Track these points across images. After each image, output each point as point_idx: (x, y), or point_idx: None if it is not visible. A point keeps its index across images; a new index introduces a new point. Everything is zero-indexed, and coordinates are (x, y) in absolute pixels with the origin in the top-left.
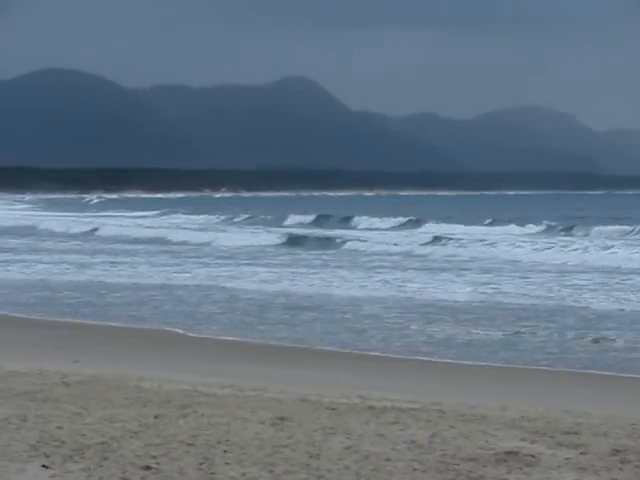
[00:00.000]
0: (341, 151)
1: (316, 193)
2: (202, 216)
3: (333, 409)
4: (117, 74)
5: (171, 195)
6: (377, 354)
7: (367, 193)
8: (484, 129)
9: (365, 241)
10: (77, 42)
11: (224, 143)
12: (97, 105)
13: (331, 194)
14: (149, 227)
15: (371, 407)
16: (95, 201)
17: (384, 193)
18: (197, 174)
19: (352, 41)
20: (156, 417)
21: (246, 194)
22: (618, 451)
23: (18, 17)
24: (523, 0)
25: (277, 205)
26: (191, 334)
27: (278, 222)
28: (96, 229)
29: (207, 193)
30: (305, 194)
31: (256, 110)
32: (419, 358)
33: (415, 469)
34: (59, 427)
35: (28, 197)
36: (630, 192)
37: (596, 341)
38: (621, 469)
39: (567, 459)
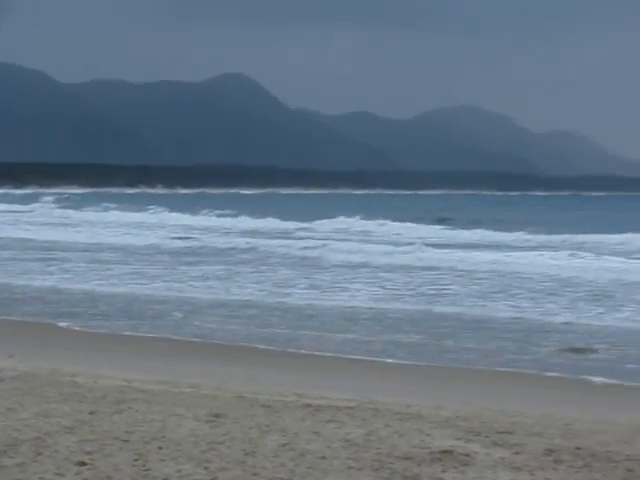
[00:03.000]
0: (278, 149)
1: (248, 192)
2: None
3: (269, 407)
4: (55, 69)
5: (104, 190)
6: (313, 352)
7: (304, 191)
8: (421, 128)
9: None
10: (15, 37)
11: (162, 139)
12: (34, 100)
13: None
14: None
15: (307, 405)
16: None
17: (325, 192)
18: (134, 170)
19: (292, 39)
20: (91, 413)
21: (182, 191)
22: (552, 451)
23: None
24: (464, 1)
25: (200, 202)
26: (128, 332)
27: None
28: None
29: (143, 189)
30: (245, 192)
31: (194, 107)
32: (355, 357)
33: (350, 467)
34: None
35: None
36: (566, 193)
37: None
38: (555, 469)
39: (501, 458)
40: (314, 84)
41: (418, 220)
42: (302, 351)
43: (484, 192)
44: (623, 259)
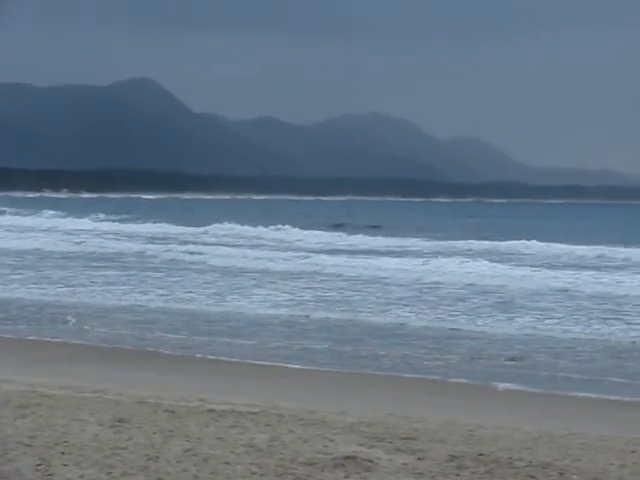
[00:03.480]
0: (182, 153)
1: (150, 196)
2: None
3: (172, 412)
4: None
5: (3, 194)
6: (218, 358)
7: (207, 197)
8: (326, 134)
9: None
10: None
11: (66, 143)
12: None
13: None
14: None
15: (210, 410)
16: None
17: (227, 197)
18: (38, 174)
19: (197, 43)
20: None
21: (85, 195)
22: (455, 457)
23: None
24: (367, 7)
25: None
26: (33, 337)
27: None
28: None
29: (48, 193)
30: (147, 197)
31: (100, 111)
32: (259, 362)
33: (254, 473)
34: None
35: None
36: (470, 200)
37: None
38: (458, 475)
39: (404, 464)
40: (220, 89)
41: (316, 226)
42: (208, 356)
43: (388, 198)
44: (511, 265)
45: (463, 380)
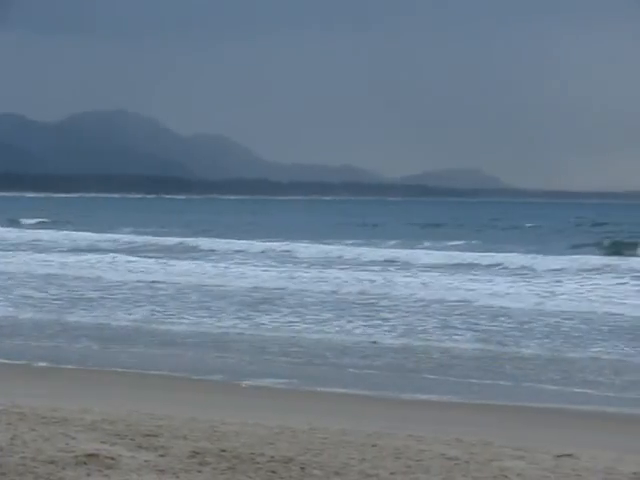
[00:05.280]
0: None
1: None
2: None
3: None
4: None
5: None
6: None
7: None
8: (71, 131)
9: None
10: None
11: None
12: None
13: None
14: None
15: None
16: None
17: None
18: None
19: None
20: None
21: None
22: (197, 453)
23: None
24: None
25: None
26: None
27: None
28: None
29: None
30: None
31: None
32: (3, 361)
33: None
34: None
35: None
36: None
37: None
38: (200, 471)
39: (146, 461)
40: None
41: None
42: None
43: (132, 195)
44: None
45: (206, 377)
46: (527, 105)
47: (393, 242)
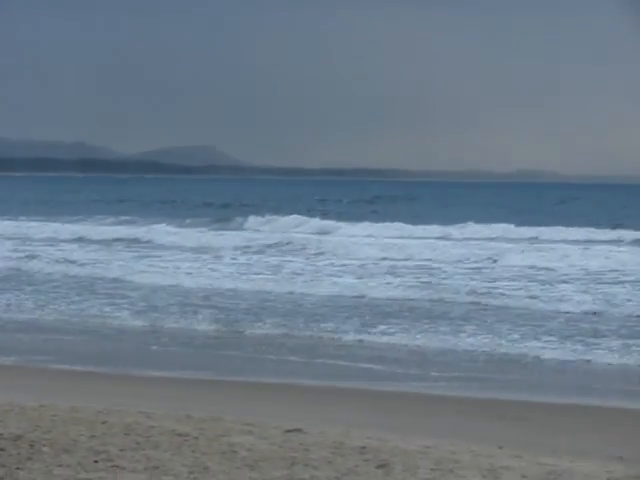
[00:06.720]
0: None
1: None
2: None
3: None
4: None
5: None
6: None
7: None
8: None
9: None
10: None
11: None
12: None
13: None
14: None
15: None
16: None
17: None
18: None
19: None
20: None
21: None
22: None
23: None
24: None
25: None
26: None
27: None
28: None
29: None
30: None
31: None
32: None
33: None
34: None
35: None
36: None
37: None
38: None
39: None
40: None
41: None
42: None
43: None
44: None
45: None
46: (265, 85)
47: None
